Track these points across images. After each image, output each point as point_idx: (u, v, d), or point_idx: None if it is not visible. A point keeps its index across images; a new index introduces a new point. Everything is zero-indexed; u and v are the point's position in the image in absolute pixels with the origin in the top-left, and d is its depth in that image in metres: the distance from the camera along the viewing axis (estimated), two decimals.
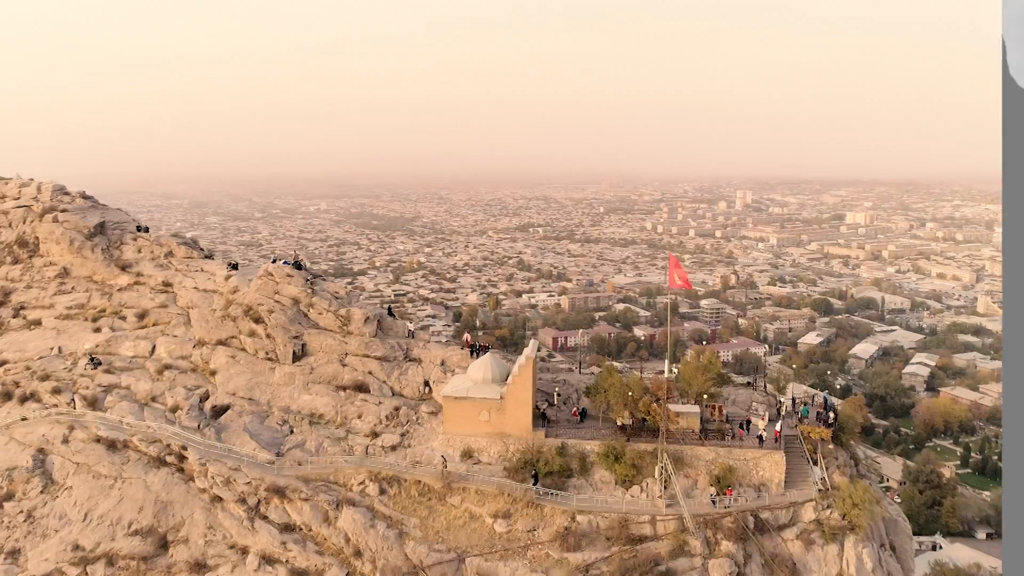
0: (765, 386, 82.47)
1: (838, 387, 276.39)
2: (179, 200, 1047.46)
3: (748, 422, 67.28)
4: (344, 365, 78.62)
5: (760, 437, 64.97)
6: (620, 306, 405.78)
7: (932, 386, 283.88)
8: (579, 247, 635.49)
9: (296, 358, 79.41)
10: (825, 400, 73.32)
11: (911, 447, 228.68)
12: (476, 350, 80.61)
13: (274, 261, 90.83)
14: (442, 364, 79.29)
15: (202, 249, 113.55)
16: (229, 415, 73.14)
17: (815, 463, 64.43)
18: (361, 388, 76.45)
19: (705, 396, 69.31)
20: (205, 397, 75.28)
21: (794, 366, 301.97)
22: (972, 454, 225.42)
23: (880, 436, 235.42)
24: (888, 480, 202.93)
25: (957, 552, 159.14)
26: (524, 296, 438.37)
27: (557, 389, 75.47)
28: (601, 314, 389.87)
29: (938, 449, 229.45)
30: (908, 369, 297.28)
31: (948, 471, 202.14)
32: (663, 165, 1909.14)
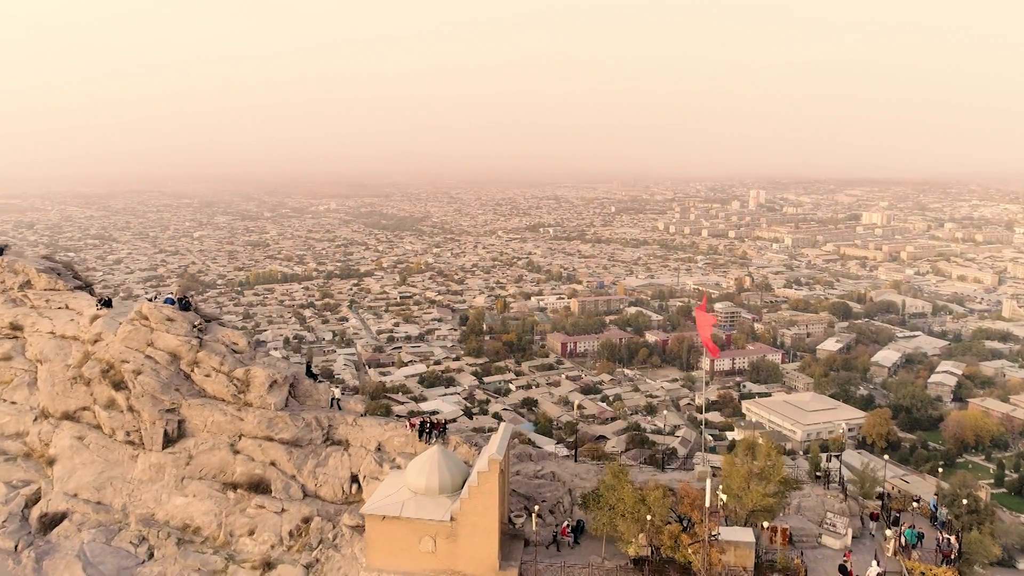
0: (843, 484, 59.52)
1: (860, 397, 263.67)
2: (189, 199, 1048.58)
3: (845, 570, 45.35)
4: (237, 452, 56.92)
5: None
6: (631, 309, 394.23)
7: (959, 396, 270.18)
8: (590, 247, 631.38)
9: (169, 441, 57.51)
10: (935, 513, 52.23)
11: (941, 464, 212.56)
12: (427, 431, 58.38)
13: (152, 298, 68.05)
14: (379, 450, 57.42)
15: (77, 277, 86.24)
16: (65, 528, 52.88)
17: None
18: (259, 487, 55.48)
19: (765, 525, 48.76)
20: (35, 499, 55.10)
21: (813, 375, 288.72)
22: (1007, 472, 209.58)
23: (907, 452, 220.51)
24: (917, 501, 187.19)
25: None
26: (533, 299, 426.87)
27: (537, 508, 52.48)
28: (612, 318, 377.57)
29: (969, 466, 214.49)
30: (933, 378, 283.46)
31: (984, 492, 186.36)
32: (675, 164, 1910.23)
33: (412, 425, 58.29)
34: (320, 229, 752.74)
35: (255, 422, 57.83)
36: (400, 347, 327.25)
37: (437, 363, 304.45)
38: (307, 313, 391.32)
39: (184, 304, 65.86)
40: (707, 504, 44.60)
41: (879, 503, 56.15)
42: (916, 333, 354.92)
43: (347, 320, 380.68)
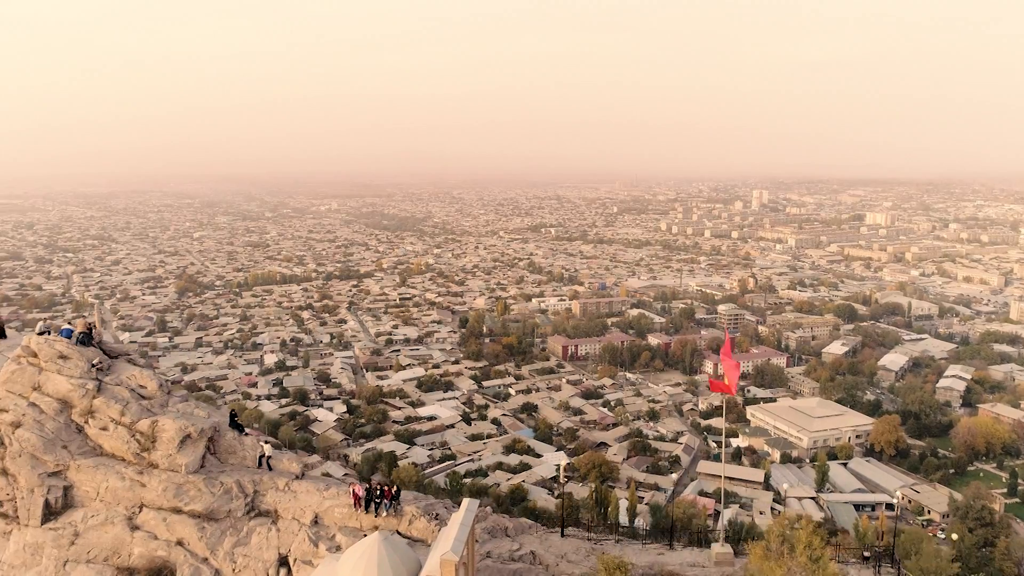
0: (897, 564, 49.17)
1: (867, 402, 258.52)
2: (191, 199, 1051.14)
3: None
4: (135, 528, 44.74)
5: None
6: (633, 311, 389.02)
7: (968, 401, 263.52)
8: (592, 248, 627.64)
9: (52, 514, 45.27)
10: None
11: (951, 472, 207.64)
12: (375, 502, 45.57)
13: (44, 332, 53.55)
14: (315, 523, 45.45)
15: None
16: None
17: None
18: (161, 573, 43.68)
19: None
20: None
21: (819, 379, 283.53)
22: (1020, 481, 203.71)
23: (917, 460, 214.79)
24: (930, 512, 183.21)
25: None
26: (534, 300, 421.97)
27: None
28: (613, 320, 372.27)
29: (981, 475, 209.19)
30: (942, 383, 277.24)
31: (997, 504, 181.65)
32: (678, 164, 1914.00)
33: (357, 497, 45.46)
34: (321, 229, 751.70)
35: (160, 489, 45.60)
36: (399, 350, 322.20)
37: (436, 367, 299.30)
38: (305, 315, 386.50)
39: (84, 338, 53.03)
40: None
41: None
42: (923, 336, 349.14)
43: (345, 322, 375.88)
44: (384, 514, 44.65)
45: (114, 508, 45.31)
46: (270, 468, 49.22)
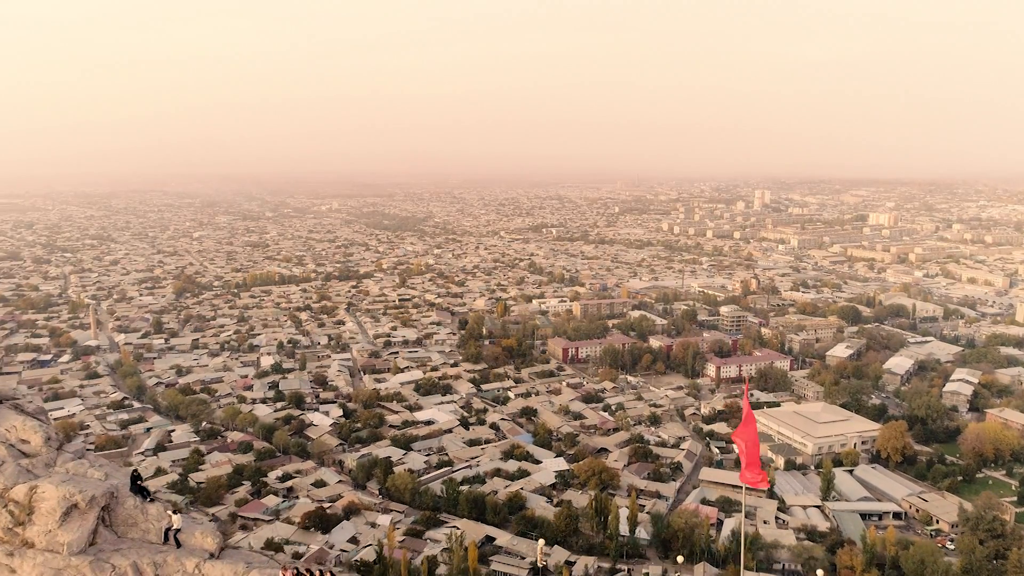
0: None
1: (872, 407, 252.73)
2: (191, 199, 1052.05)
3: None
4: None
5: None
6: (635, 313, 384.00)
7: (975, 406, 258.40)
8: (593, 248, 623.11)
9: None
10: None
11: (960, 479, 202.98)
12: None
13: None
14: None
15: None
16: None
17: None
18: None
19: None
20: None
21: (823, 383, 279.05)
22: None
23: (924, 466, 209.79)
24: (938, 522, 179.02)
25: None
26: (534, 301, 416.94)
27: None
28: (615, 322, 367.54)
29: (990, 482, 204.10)
30: (948, 387, 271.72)
31: (1008, 514, 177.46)
32: (679, 164, 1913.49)
33: None
34: (321, 229, 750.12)
35: (35, 574, 34.91)
36: (397, 352, 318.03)
37: (434, 369, 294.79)
38: (303, 316, 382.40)
39: None
40: None
41: None
42: (928, 338, 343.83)
43: (344, 323, 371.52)
44: None
45: None
46: (178, 544, 39.09)
